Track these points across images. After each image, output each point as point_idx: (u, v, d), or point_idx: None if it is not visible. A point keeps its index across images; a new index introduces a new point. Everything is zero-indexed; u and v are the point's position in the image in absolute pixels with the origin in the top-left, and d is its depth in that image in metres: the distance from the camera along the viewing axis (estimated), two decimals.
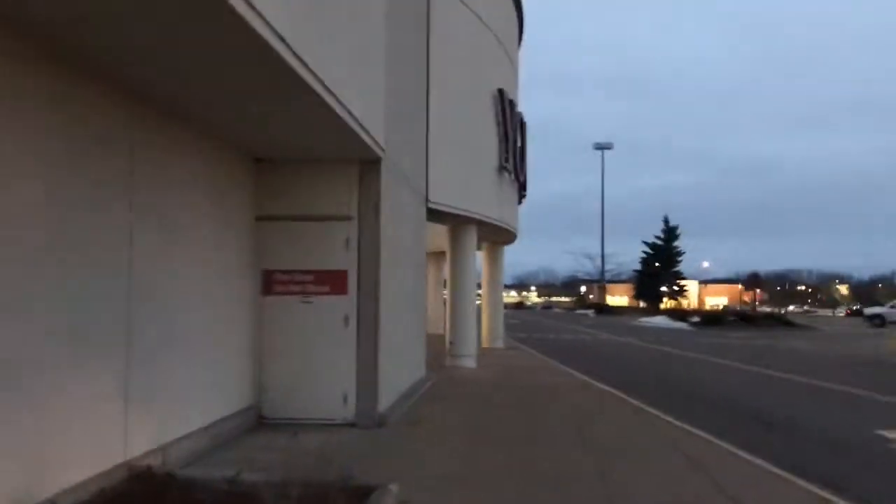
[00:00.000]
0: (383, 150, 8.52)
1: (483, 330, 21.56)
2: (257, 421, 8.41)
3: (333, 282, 8.55)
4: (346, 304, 8.53)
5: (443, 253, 18.23)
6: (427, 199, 12.90)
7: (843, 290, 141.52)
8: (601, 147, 72.77)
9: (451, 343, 15.96)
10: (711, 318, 47.25)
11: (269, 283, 8.59)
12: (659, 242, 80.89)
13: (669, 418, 10.01)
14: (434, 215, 13.91)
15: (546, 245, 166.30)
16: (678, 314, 53.28)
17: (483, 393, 11.98)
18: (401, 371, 10.10)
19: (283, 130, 7.22)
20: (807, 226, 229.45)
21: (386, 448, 7.47)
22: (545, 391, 12.53)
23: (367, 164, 8.60)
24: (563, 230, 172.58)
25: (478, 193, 15.48)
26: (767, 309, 78.65)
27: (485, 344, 21.33)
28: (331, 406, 8.45)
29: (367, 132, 7.68)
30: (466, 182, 14.80)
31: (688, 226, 79.82)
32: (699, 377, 16.91)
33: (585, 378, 14.95)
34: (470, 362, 15.88)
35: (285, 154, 8.37)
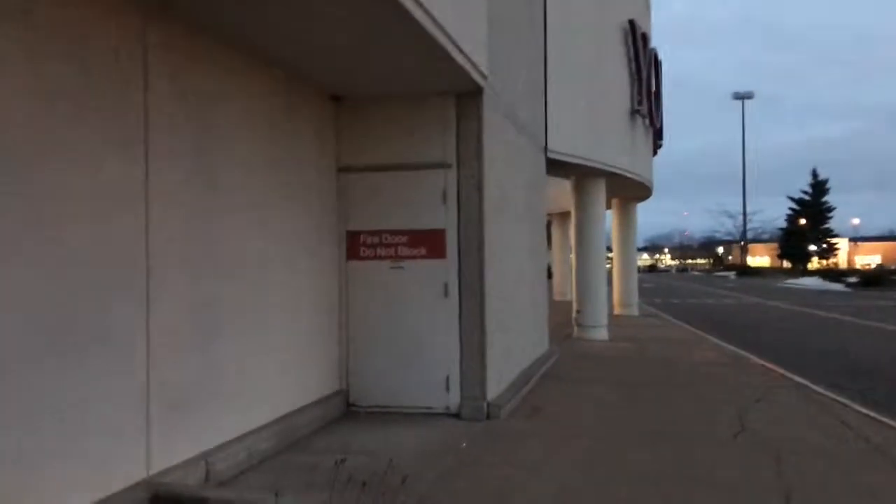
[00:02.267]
0: (485, 77, 6.88)
1: (614, 296, 19.63)
2: (345, 409, 7.09)
3: (429, 243, 7.05)
4: (444, 269, 7.02)
5: (567, 213, 16.42)
6: (546, 148, 11.14)
7: None
8: (741, 97, 67.31)
9: (578, 312, 14.20)
10: (871, 279, 42.68)
11: (354, 245, 7.19)
12: (806, 198, 74.58)
13: (857, 406, 7.94)
14: (555, 167, 12.13)
15: (680, 205, 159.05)
16: (832, 274, 48.66)
17: (617, 371, 10.22)
18: (516, 348, 8.52)
19: (355, 54, 5.72)
20: None
21: (493, 451, 5.92)
22: (691, 368, 10.61)
23: (466, 98, 6.98)
24: (698, 189, 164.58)
25: (606, 141, 13.51)
26: None
27: (617, 311, 19.42)
28: (430, 392, 7.00)
29: (463, 52, 6.06)
30: (593, 128, 12.87)
31: (835, 180, 72.97)
32: (876, 350, 14.34)
33: (736, 350, 12.85)
34: (601, 333, 14.08)
35: (367, 89, 6.90)
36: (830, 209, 74.53)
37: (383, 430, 6.43)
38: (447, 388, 6.96)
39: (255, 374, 5.59)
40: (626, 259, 20.03)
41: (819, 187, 74.05)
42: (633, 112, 14.68)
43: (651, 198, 19.75)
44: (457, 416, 6.88)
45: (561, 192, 16.22)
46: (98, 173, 3.97)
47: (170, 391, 4.52)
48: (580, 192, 14.16)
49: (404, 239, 7.10)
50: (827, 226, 74.69)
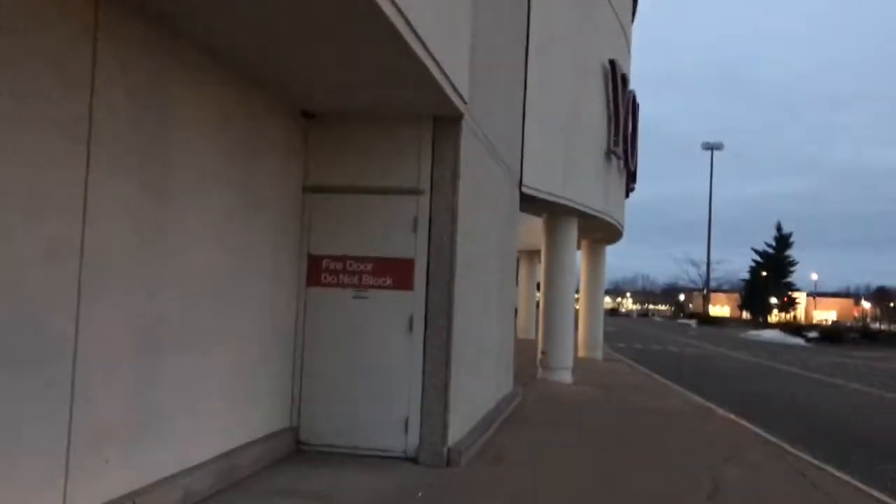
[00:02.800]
0: (465, 102, 6.53)
1: (580, 338, 19.29)
2: (294, 447, 6.57)
3: (396, 273, 6.62)
4: (411, 301, 6.58)
5: (536, 252, 16.09)
6: (521, 183, 10.82)
7: None
8: (710, 147, 68.20)
9: (543, 353, 13.81)
10: (830, 334, 43.10)
11: (316, 271, 6.73)
12: (769, 251, 75.61)
13: (830, 469, 7.64)
14: (528, 203, 11.83)
15: (644, 250, 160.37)
16: (792, 328, 49.05)
17: (583, 417, 9.82)
18: (481, 388, 8.07)
19: (333, 67, 5.33)
20: None
21: None
22: (657, 417, 10.25)
23: (444, 123, 6.62)
24: (661, 235, 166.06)
25: (581, 180, 13.26)
26: (879, 325, 72.29)
27: (581, 353, 19.06)
28: (388, 433, 6.51)
29: (445, 74, 5.70)
30: (569, 165, 12.61)
31: (796, 235, 73.94)
32: (842, 408, 14.17)
33: (703, 402, 12.56)
34: (565, 376, 13.70)
35: (339, 105, 6.49)
36: (793, 263, 75.62)
37: (334, 474, 5.92)
38: (406, 430, 6.48)
39: (196, 404, 5.07)
40: (594, 302, 19.75)
41: (783, 241, 75.15)
42: (609, 153, 14.49)
43: (621, 239, 19.57)
44: (414, 460, 6.39)
45: (529, 230, 15.96)
46: (33, 177, 3.49)
47: (96, 419, 4.00)
48: (552, 230, 13.86)
49: (370, 267, 6.66)
50: (788, 279, 75.71)
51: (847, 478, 7.27)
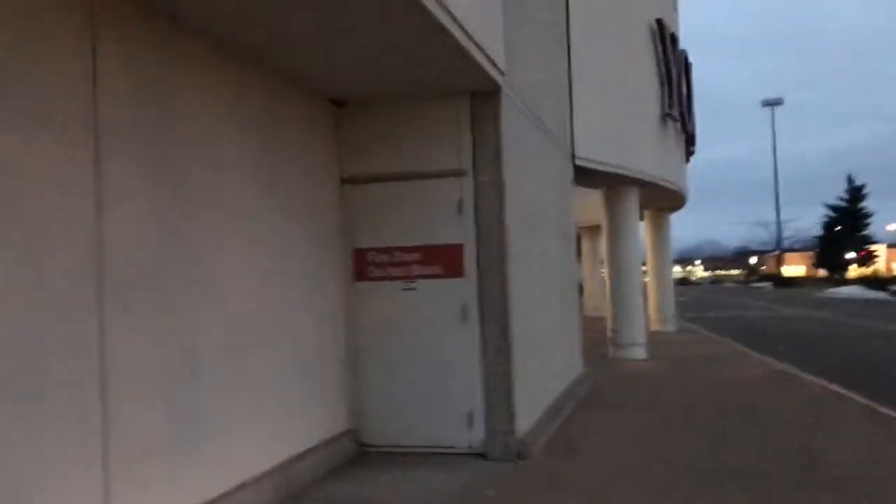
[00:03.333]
0: (502, 73, 6.11)
1: (650, 311, 18.64)
2: (356, 450, 6.31)
3: (445, 260, 6.27)
4: (463, 289, 6.23)
5: (599, 227, 15.55)
6: (574, 155, 10.34)
7: None
8: (770, 104, 65.76)
9: (613, 330, 13.30)
10: None
11: (362, 265, 6.44)
12: (843, 204, 72.57)
13: None
14: (584, 176, 11.32)
15: (709, 216, 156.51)
16: (876, 282, 46.88)
17: (659, 395, 9.32)
18: (547, 374, 7.67)
19: (358, 51, 5.01)
20: None
21: (525, 503, 5.09)
22: (742, 390, 9.66)
23: (482, 97, 6.22)
24: (727, 200, 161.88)
25: (637, 148, 12.66)
26: None
27: (653, 326, 18.42)
28: (451, 429, 6.19)
29: (477, 44, 5.31)
30: (623, 134, 12.04)
31: (869, 186, 70.81)
32: None
33: (792, 369, 11.85)
34: (638, 352, 13.16)
35: (371, 90, 6.17)
36: (868, 215, 72.34)
37: (398, 475, 5.63)
38: (470, 424, 6.14)
39: (247, 415, 4.83)
40: (662, 272, 19.06)
41: (856, 193, 72.01)
42: (665, 116, 13.83)
43: (682, 208, 18.83)
44: (482, 455, 6.05)
45: (590, 204, 15.41)
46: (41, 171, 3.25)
47: (133, 440, 3.77)
48: (612, 202, 13.31)
49: (417, 256, 6.33)
50: (865, 232, 72.57)
51: None
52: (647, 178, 12.84)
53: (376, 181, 6.41)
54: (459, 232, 6.24)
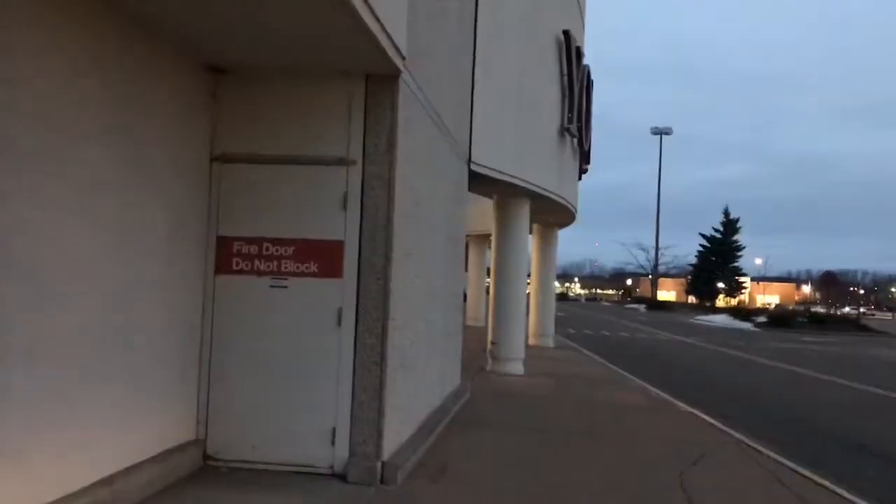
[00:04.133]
0: (403, 57, 5.54)
1: (530, 325, 18.52)
2: (201, 464, 5.56)
3: (322, 257, 5.64)
4: (340, 291, 5.61)
5: (486, 235, 15.19)
6: (469, 160, 9.89)
7: None
8: (660, 132, 68.18)
9: (493, 343, 12.95)
10: (779, 319, 43.26)
11: (226, 255, 5.70)
12: (717, 235, 76.24)
13: (806, 472, 6.93)
14: (477, 183, 10.91)
15: (591, 235, 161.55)
16: (741, 313, 49.19)
17: (537, 415, 8.97)
18: (423, 387, 7.15)
19: (242, 6, 4.31)
20: (860, 226, 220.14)
21: None
22: (617, 413, 9.48)
23: (379, 82, 5.63)
24: (609, 221, 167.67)
25: (533, 159, 12.37)
26: (822, 310, 73.54)
27: (532, 341, 18.31)
28: (312, 446, 5.54)
29: (378, 20, 4.71)
30: (520, 143, 11.71)
31: (742, 220, 74.64)
32: (801, 399, 13.67)
33: (660, 393, 11.85)
34: (517, 367, 12.86)
35: (257, 61, 5.46)
36: (740, 248, 76.39)
37: (245, 495, 4.95)
38: (333, 442, 5.52)
39: (64, 423, 4.04)
40: (545, 287, 18.99)
41: (730, 226, 75.82)
42: (563, 130, 13.63)
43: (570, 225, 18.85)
44: (343, 477, 5.43)
45: (479, 212, 15.08)
46: None
47: None
48: (503, 212, 12.99)
49: (291, 250, 5.66)
50: (736, 264, 76.48)
51: (835, 487, 6.54)
52: (540, 191, 12.57)
53: (252, 162, 5.69)
54: (341, 228, 5.62)
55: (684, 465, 6.73)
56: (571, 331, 29.33)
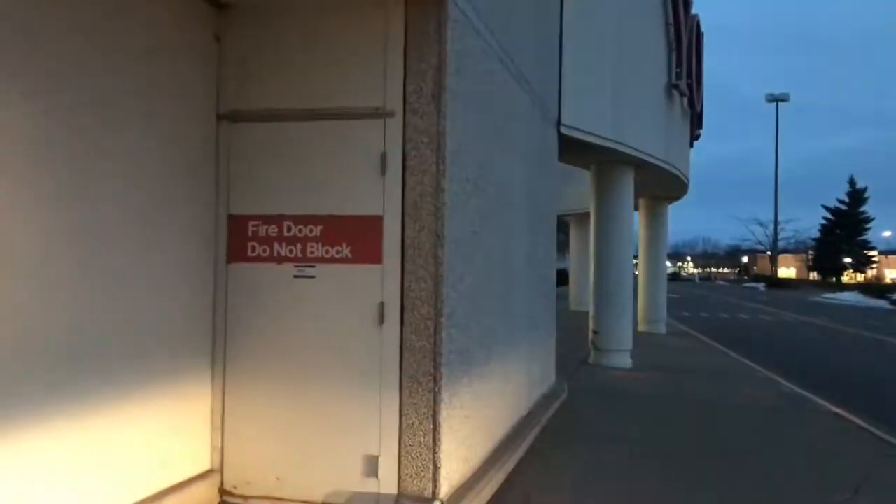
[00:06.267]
0: None
1: (639, 310, 16.85)
2: (217, 499, 4.44)
3: (357, 238, 4.38)
4: (380, 280, 4.34)
5: (588, 214, 13.67)
6: (559, 122, 8.44)
7: None
8: (776, 99, 63.49)
9: (595, 332, 11.45)
10: None
11: (239, 238, 4.54)
12: (842, 207, 70.77)
13: None
14: (571, 150, 9.46)
15: (703, 212, 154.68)
16: (873, 289, 45.18)
17: (648, 424, 7.46)
18: (502, 397, 5.80)
19: None
20: None
21: None
22: (748, 417, 7.85)
23: (421, 6, 4.31)
24: (722, 196, 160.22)
25: (637, 121, 10.76)
26: None
27: (641, 327, 16.66)
28: (348, 479, 4.32)
29: None
30: (621, 102, 10.13)
31: (870, 190, 68.75)
32: None
33: (794, 388, 10.08)
34: (623, 360, 11.32)
35: None
36: (868, 219, 70.68)
37: None
38: (375, 473, 4.28)
39: (33, 457, 2.97)
40: (655, 268, 17.26)
41: (857, 196, 70.26)
42: (671, 87, 11.91)
43: (681, 199, 17.00)
44: None
45: (581, 189, 13.52)
46: None
47: None
48: (603, 182, 11.42)
49: (318, 230, 4.43)
50: (864, 237, 70.91)
51: None
52: (646, 158, 10.95)
53: (267, 119, 4.50)
54: (379, 199, 4.35)
55: (845, 495, 5.13)
56: (686, 314, 27.20)
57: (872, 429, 7.56)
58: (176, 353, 4.19)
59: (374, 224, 4.35)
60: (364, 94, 4.37)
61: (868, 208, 70.72)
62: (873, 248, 73.59)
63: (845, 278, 71.26)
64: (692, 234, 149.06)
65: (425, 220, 4.28)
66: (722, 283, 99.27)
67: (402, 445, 4.26)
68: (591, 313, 11.59)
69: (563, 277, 24.63)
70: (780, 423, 7.76)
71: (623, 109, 10.22)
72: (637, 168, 11.38)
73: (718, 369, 11.92)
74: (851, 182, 70.71)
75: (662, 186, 14.42)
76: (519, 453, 5.79)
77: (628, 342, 11.46)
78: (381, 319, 4.32)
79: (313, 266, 4.42)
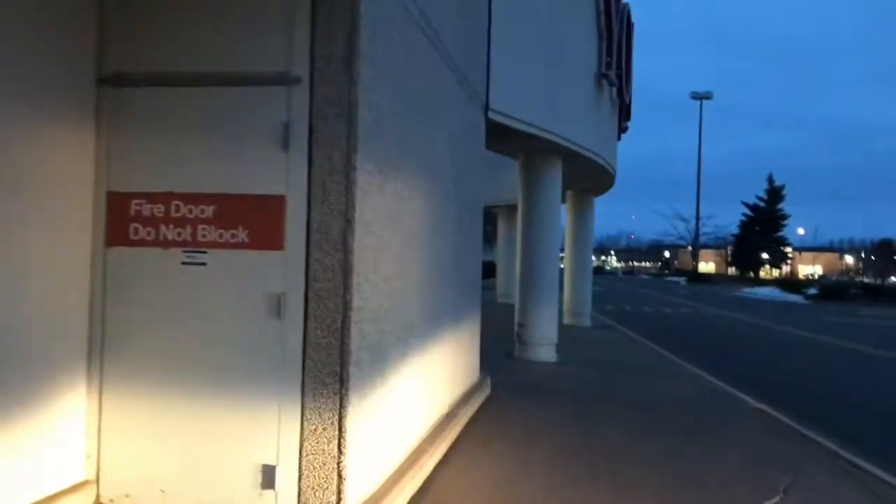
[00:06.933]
0: None
1: (565, 303, 16.71)
2: None
3: (255, 220, 3.89)
4: (280, 268, 3.86)
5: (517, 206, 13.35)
6: (487, 106, 8.05)
7: None
8: (700, 97, 64.91)
9: (520, 325, 11.16)
10: (831, 291, 40.59)
11: (121, 219, 3.98)
12: (761, 204, 72.90)
13: None
14: (499, 139, 9.13)
15: (626, 207, 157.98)
16: (790, 284, 46.65)
17: (573, 419, 7.18)
18: (417, 398, 5.38)
19: None
20: None
21: None
22: (674, 415, 7.65)
23: None
24: (645, 193, 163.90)
25: (566, 109, 10.48)
26: (877, 280, 70.42)
27: (566, 319, 16.53)
28: (240, 491, 3.84)
29: None
30: (549, 91, 9.84)
31: (787, 189, 71.03)
32: (884, 387, 11.74)
33: (718, 383, 10.03)
34: (548, 353, 11.07)
35: None
36: (785, 217, 73.09)
37: None
38: (272, 485, 3.80)
39: None
40: (581, 261, 17.15)
41: (774, 194, 72.51)
42: (601, 77, 11.69)
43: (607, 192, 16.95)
44: None
45: (510, 180, 13.21)
46: None
47: None
48: (531, 173, 11.11)
49: (210, 211, 3.92)
50: (780, 234, 73.34)
51: None
52: (576, 148, 10.70)
53: (155, 84, 3.95)
54: (281, 177, 3.86)
55: (770, 496, 4.92)
56: (609, 307, 27.35)
57: (796, 425, 7.50)
58: (46, 350, 3.62)
59: (275, 205, 3.86)
60: (266, 58, 3.88)
61: (785, 206, 73.13)
62: (789, 245, 76.19)
63: (762, 273, 73.61)
64: (615, 229, 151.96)
65: (334, 202, 3.81)
66: (644, 276, 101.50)
67: (304, 454, 3.80)
68: (517, 306, 11.29)
69: (489, 269, 24.44)
70: (708, 420, 7.58)
71: (553, 97, 9.93)
72: (566, 159, 11.12)
73: (642, 363, 11.82)
74: (770, 180, 72.93)
75: (591, 178, 14.25)
76: (437, 456, 5.39)
77: (554, 336, 11.21)
78: (281, 313, 3.84)
79: (205, 252, 3.91)
